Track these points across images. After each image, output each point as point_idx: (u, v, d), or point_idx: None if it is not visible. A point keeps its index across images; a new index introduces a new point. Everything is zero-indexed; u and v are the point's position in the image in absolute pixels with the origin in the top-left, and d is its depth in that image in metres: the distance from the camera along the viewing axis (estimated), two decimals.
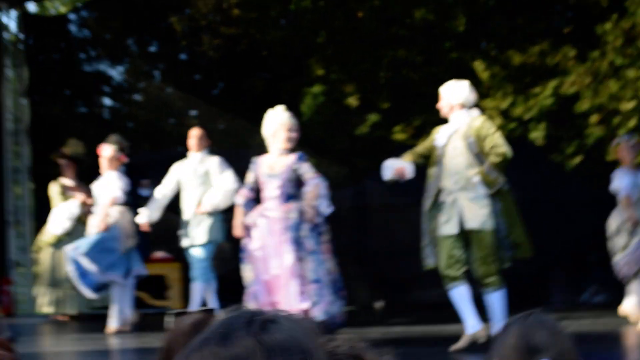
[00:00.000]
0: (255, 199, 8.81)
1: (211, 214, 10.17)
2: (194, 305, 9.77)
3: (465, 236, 8.50)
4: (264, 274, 8.43)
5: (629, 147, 9.60)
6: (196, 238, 10.13)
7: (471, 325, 8.40)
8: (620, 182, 9.59)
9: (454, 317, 8.71)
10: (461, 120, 8.59)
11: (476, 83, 15.29)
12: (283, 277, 8.35)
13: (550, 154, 14.08)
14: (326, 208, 8.53)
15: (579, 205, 10.21)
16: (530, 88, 14.93)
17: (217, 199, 10.14)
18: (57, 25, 16.80)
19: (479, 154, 8.46)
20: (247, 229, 8.62)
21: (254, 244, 8.54)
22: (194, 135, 10.51)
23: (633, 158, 9.56)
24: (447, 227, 8.45)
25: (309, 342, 1.37)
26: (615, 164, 14.29)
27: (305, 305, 8.24)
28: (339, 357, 2.38)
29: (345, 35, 16.29)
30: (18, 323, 11.88)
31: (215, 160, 10.38)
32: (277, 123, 8.65)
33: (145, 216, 10.30)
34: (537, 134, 14.53)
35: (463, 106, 8.63)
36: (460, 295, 8.46)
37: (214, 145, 17.10)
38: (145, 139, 16.07)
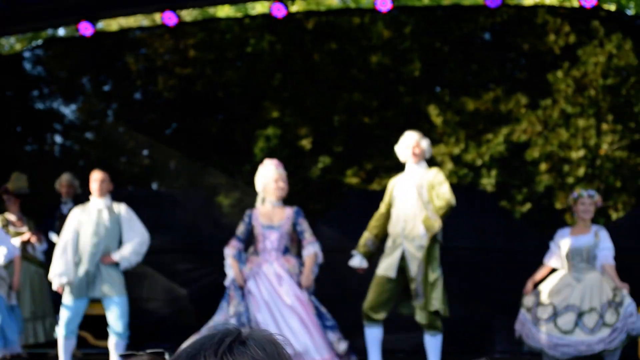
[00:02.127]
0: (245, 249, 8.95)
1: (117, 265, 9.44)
2: None
3: (404, 281, 8.70)
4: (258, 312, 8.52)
5: (590, 204, 9.25)
6: (108, 291, 9.36)
7: None
8: (552, 244, 9.39)
9: None
10: (418, 171, 8.79)
11: (429, 128, 15.41)
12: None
13: (500, 201, 14.16)
14: (316, 269, 8.79)
15: (526, 253, 10.24)
16: (482, 134, 15.04)
17: (129, 251, 9.43)
18: (11, 62, 16.71)
19: (428, 203, 8.65)
20: (246, 278, 8.71)
21: (252, 288, 8.63)
22: (96, 179, 9.61)
23: (590, 217, 9.30)
24: (387, 269, 8.66)
25: None
26: (563, 212, 14.40)
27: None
28: None
29: (301, 77, 16.34)
30: None
31: (123, 209, 9.57)
32: (266, 176, 8.82)
33: (59, 279, 9.51)
34: (488, 181, 14.62)
35: (424, 158, 8.89)
36: (372, 337, 8.79)
37: (166, 185, 17.08)
38: None
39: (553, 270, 9.38)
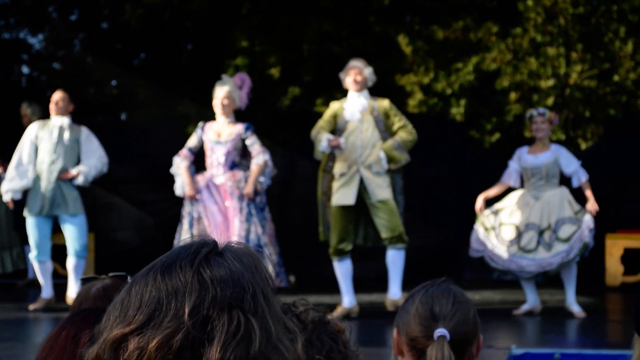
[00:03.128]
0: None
1: (75, 184, 9.43)
2: (73, 284, 9.17)
3: (362, 209, 8.78)
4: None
5: (543, 122, 9.37)
6: (69, 209, 9.34)
7: (349, 300, 8.89)
8: (510, 162, 9.50)
9: (365, 289, 8.86)
10: (364, 99, 8.87)
11: (399, 57, 15.35)
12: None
13: (470, 130, 14.17)
14: (267, 180, 8.85)
15: (495, 182, 10.27)
16: (452, 63, 15.00)
17: (91, 172, 9.42)
18: None
19: (385, 132, 8.78)
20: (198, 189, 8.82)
21: (198, 208, 8.73)
22: (57, 98, 9.55)
23: (546, 135, 9.41)
24: (346, 197, 8.71)
25: (249, 277, 1.40)
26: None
27: None
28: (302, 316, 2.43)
29: (270, 6, 16.19)
30: None
31: (84, 130, 9.52)
32: (215, 93, 8.97)
33: (10, 192, 9.52)
34: (458, 110, 14.61)
35: (366, 87, 8.96)
36: (345, 270, 8.89)
37: (136, 115, 16.97)
38: None
39: (508, 190, 9.48)
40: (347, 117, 8.84)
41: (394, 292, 8.75)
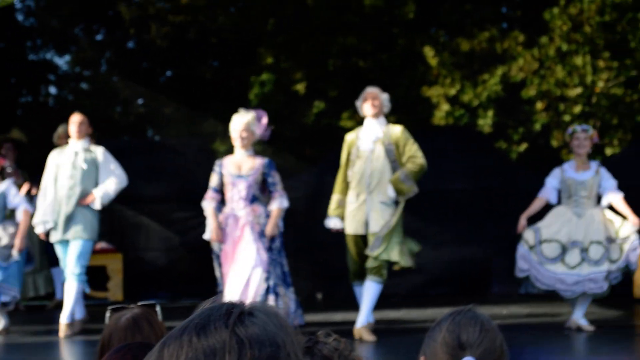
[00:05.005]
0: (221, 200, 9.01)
1: (92, 208, 9.36)
2: (69, 308, 9.12)
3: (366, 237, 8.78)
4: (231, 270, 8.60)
5: (585, 139, 9.24)
6: (77, 233, 9.25)
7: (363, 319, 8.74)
8: (549, 179, 9.37)
9: (393, 305, 8.81)
10: (379, 127, 8.81)
11: (425, 70, 15.33)
12: (247, 270, 8.53)
13: (497, 141, 14.11)
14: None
15: (523, 193, 10.22)
16: (478, 75, 14.96)
17: (109, 194, 9.37)
18: (3, 14, 16.58)
19: (395, 161, 8.69)
20: (222, 231, 8.79)
21: (226, 246, 8.73)
22: (75, 121, 9.43)
23: (586, 152, 9.29)
24: (357, 228, 8.73)
25: (282, 336, 1.40)
26: (559, 150, 14.35)
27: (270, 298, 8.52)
28: (322, 354, 2.42)
29: (295, 22, 16.22)
30: None
31: (100, 151, 9.44)
32: (232, 126, 8.88)
33: (42, 225, 9.46)
34: (485, 121, 14.56)
35: (382, 113, 8.91)
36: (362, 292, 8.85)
37: (162, 133, 17.05)
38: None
39: (547, 207, 9.38)
40: (361, 147, 8.84)
41: (359, 321, 8.66)
